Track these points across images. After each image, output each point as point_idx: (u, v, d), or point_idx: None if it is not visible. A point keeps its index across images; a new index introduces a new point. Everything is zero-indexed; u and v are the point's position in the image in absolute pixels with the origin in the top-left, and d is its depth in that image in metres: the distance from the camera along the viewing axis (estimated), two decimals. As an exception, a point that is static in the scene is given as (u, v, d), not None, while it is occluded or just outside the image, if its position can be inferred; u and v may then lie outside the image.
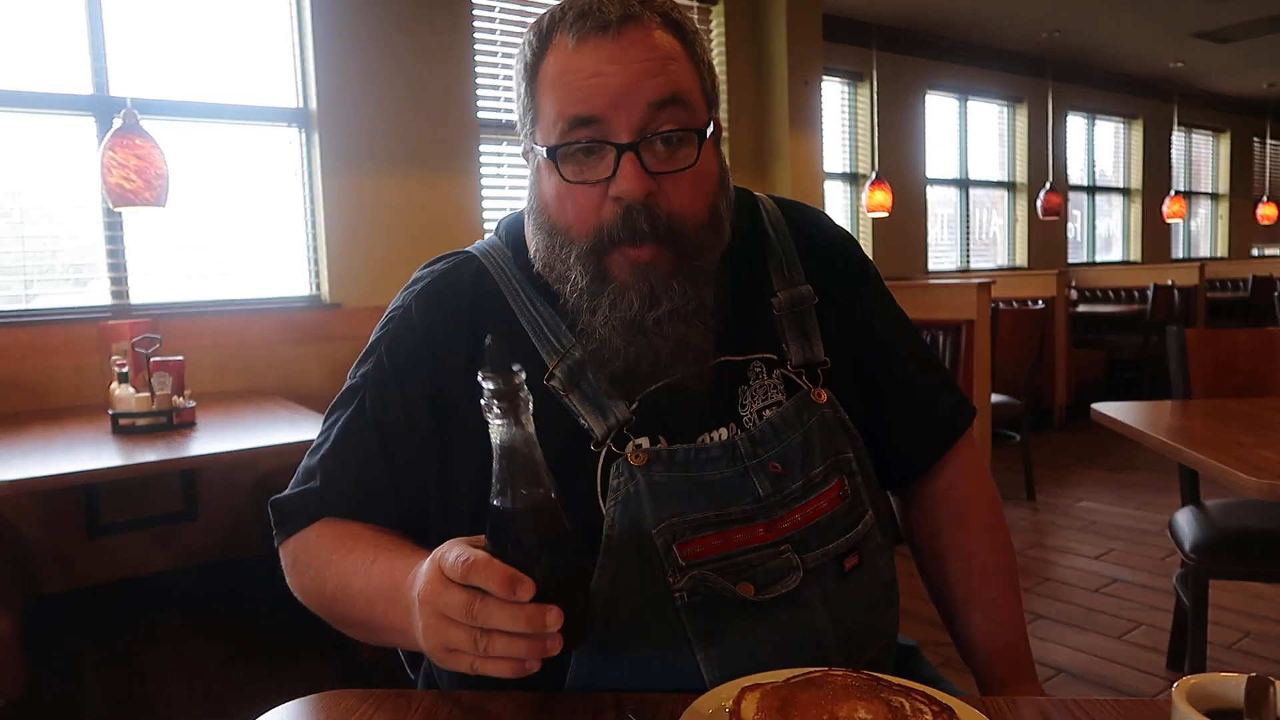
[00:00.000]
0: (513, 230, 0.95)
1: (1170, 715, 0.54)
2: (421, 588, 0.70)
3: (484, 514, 0.70)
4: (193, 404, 2.62)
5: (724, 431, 0.86)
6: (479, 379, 0.67)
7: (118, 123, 2.71)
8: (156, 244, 3.42)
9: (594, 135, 0.79)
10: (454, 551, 0.68)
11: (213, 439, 2.46)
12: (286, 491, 0.94)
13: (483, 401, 0.67)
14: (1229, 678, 0.56)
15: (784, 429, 0.87)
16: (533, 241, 0.89)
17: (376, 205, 3.80)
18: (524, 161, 0.91)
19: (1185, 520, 2.24)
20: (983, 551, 0.99)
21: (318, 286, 3.75)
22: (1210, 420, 2.04)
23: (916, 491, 1.03)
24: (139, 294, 3.37)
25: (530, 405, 0.68)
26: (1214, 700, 0.55)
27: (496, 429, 0.68)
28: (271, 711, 0.80)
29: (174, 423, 2.54)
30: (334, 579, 0.85)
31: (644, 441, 0.84)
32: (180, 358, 2.67)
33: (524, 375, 0.67)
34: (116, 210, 3.03)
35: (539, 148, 0.84)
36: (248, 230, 3.65)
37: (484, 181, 4.17)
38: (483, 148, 4.15)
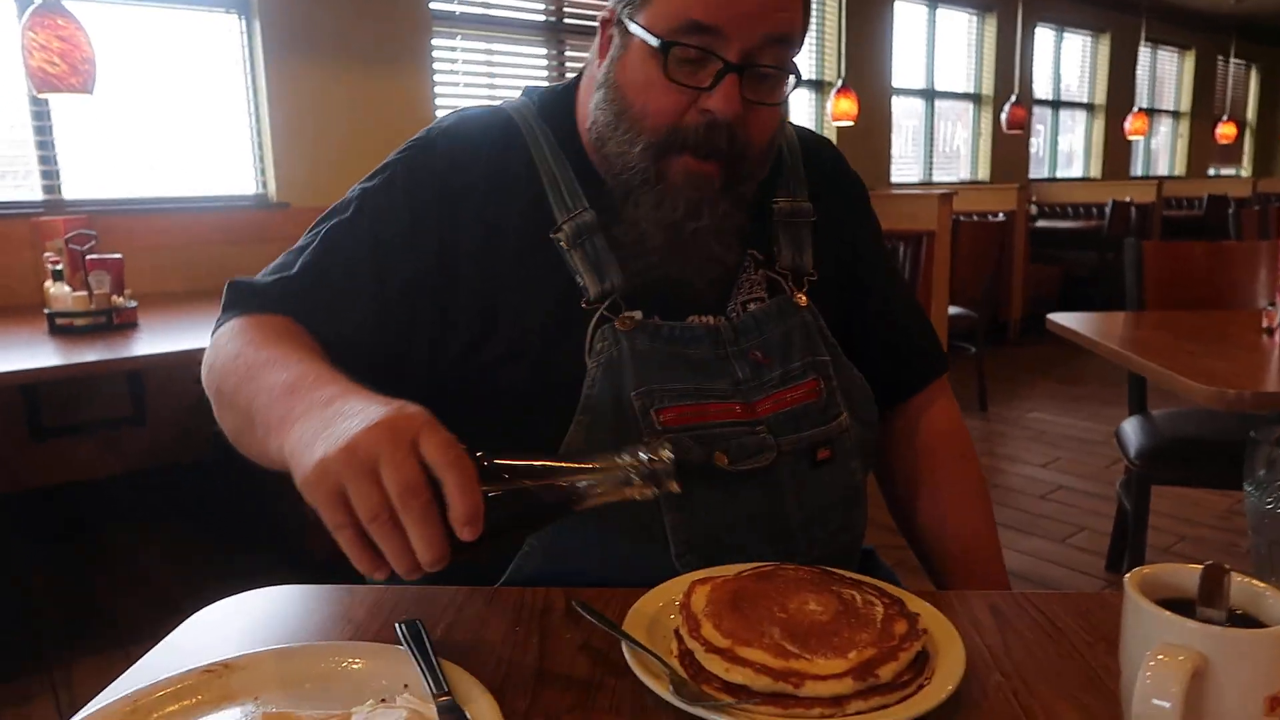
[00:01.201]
0: (545, 98, 0.95)
1: (1122, 606, 0.54)
2: (366, 410, 0.60)
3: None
4: (134, 304, 2.52)
5: (710, 318, 0.88)
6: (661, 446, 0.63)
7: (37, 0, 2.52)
8: (90, 137, 3.24)
9: (706, 44, 0.80)
10: (442, 431, 0.60)
11: (157, 340, 2.38)
12: (253, 277, 0.88)
13: (644, 455, 0.62)
14: (1180, 568, 0.55)
15: (766, 323, 0.90)
16: (594, 112, 0.88)
17: (324, 100, 3.64)
18: (594, 28, 0.90)
19: (1132, 429, 2.29)
20: (958, 483, 1.02)
21: (264, 185, 3.61)
22: (1162, 331, 2.07)
23: (896, 422, 1.05)
24: (73, 190, 3.21)
25: (657, 481, 0.63)
26: (1165, 590, 0.54)
27: (624, 478, 0.63)
28: (212, 605, 0.78)
29: (114, 323, 2.44)
30: (253, 356, 0.76)
31: (636, 314, 0.86)
32: (119, 256, 2.56)
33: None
34: (41, 97, 2.85)
35: (642, 29, 0.82)
36: (189, 124, 3.47)
37: (436, 78, 4.00)
38: (435, 41, 3.97)
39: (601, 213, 0.87)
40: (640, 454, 0.61)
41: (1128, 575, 0.54)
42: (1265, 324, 1.96)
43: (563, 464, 0.64)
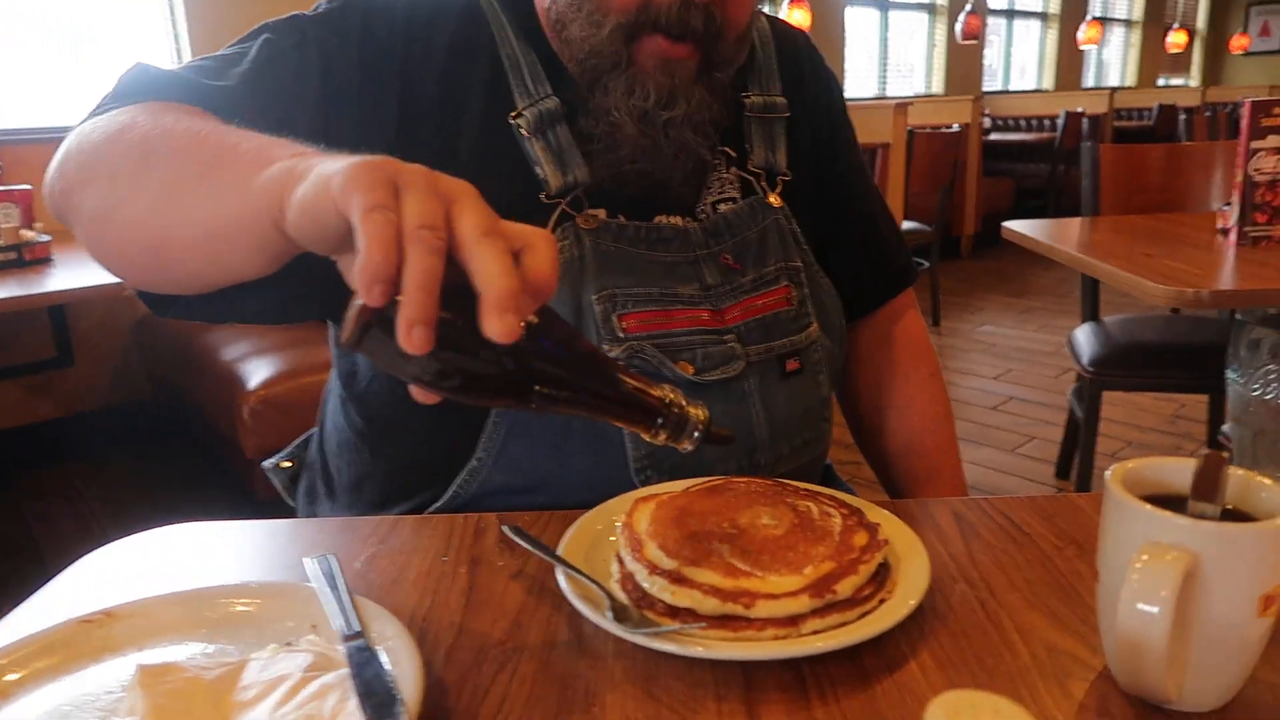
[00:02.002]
0: None
1: (1101, 505, 0.49)
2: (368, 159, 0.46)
3: None
4: (47, 238, 2.37)
5: (679, 220, 0.83)
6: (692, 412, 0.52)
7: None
8: (-11, 59, 3.01)
9: None
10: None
11: (76, 276, 2.24)
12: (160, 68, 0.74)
13: (684, 401, 0.51)
14: (1166, 461, 0.50)
15: (738, 225, 0.85)
16: None
17: (249, 18, 3.40)
18: None
19: (1084, 336, 2.28)
20: (924, 400, 0.98)
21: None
22: (1119, 235, 2.04)
23: (864, 335, 1.01)
24: (-26, 117, 2.99)
25: (679, 431, 0.52)
26: (1150, 487, 0.50)
27: (655, 407, 0.51)
28: (104, 548, 0.70)
29: (25, 259, 2.29)
30: (191, 124, 0.61)
31: (600, 213, 0.80)
32: (28, 187, 2.39)
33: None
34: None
35: None
36: (101, 47, 3.23)
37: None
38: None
39: (565, 103, 0.80)
40: (681, 398, 0.51)
41: (1110, 470, 0.49)
42: (1220, 224, 1.93)
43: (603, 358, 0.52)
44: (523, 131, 0.79)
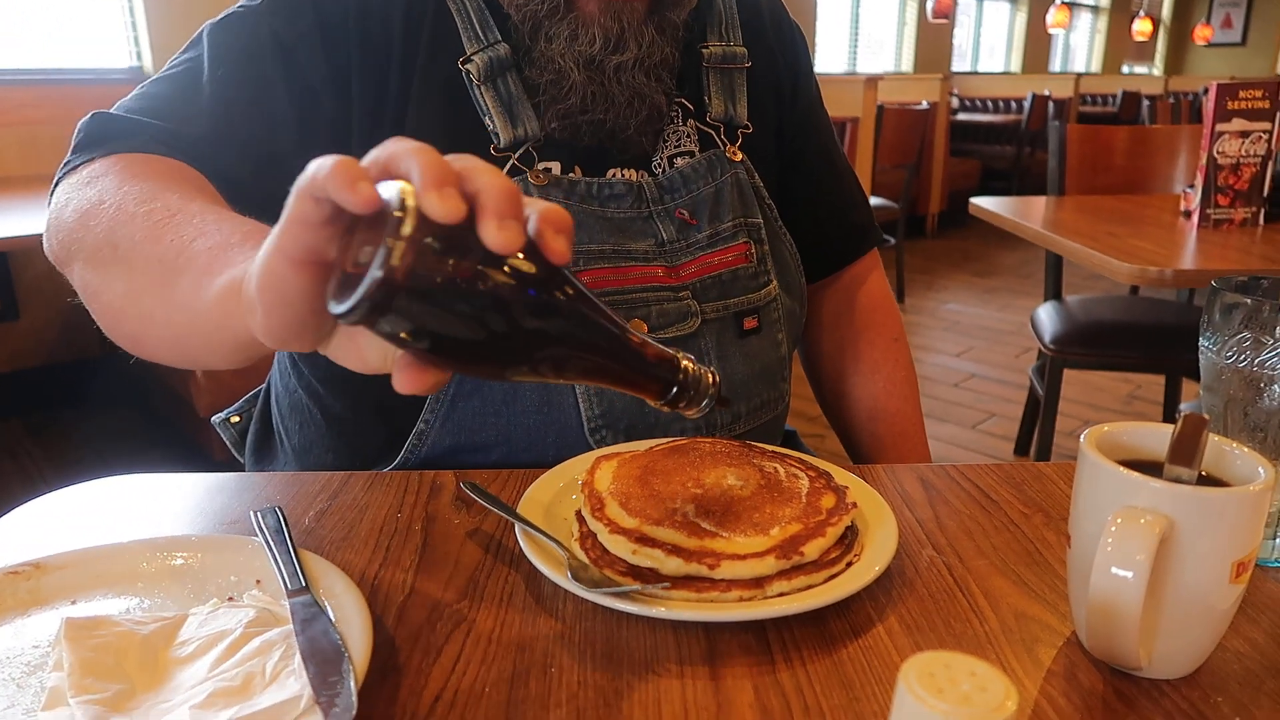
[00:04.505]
0: None
1: (1076, 466, 0.48)
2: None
3: None
4: (-12, 183, 2.27)
5: (633, 174, 0.80)
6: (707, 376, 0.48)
7: None
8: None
9: None
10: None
11: (20, 223, 2.15)
12: (121, 109, 0.72)
13: (699, 366, 0.48)
14: (1141, 426, 0.49)
15: (694, 179, 0.82)
16: None
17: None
18: None
19: (1047, 314, 2.29)
20: (889, 364, 0.97)
21: (139, 56, 3.27)
22: (1084, 214, 2.05)
23: (828, 298, 1.00)
24: (-87, 56, 2.85)
25: (694, 400, 0.48)
26: (1123, 451, 0.49)
27: (667, 371, 0.47)
28: (39, 498, 0.67)
29: (-35, 204, 2.20)
30: (168, 200, 0.59)
31: (554, 167, 0.77)
32: (-33, 130, 2.28)
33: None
34: None
35: None
36: (46, -16, 3.09)
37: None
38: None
39: (514, 51, 0.76)
40: (693, 363, 0.47)
41: (1085, 433, 0.48)
42: (1184, 206, 1.95)
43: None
44: (473, 78, 0.76)
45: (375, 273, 0.36)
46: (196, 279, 0.51)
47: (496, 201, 0.38)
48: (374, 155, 0.40)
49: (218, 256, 0.51)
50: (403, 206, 0.37)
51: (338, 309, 0.38)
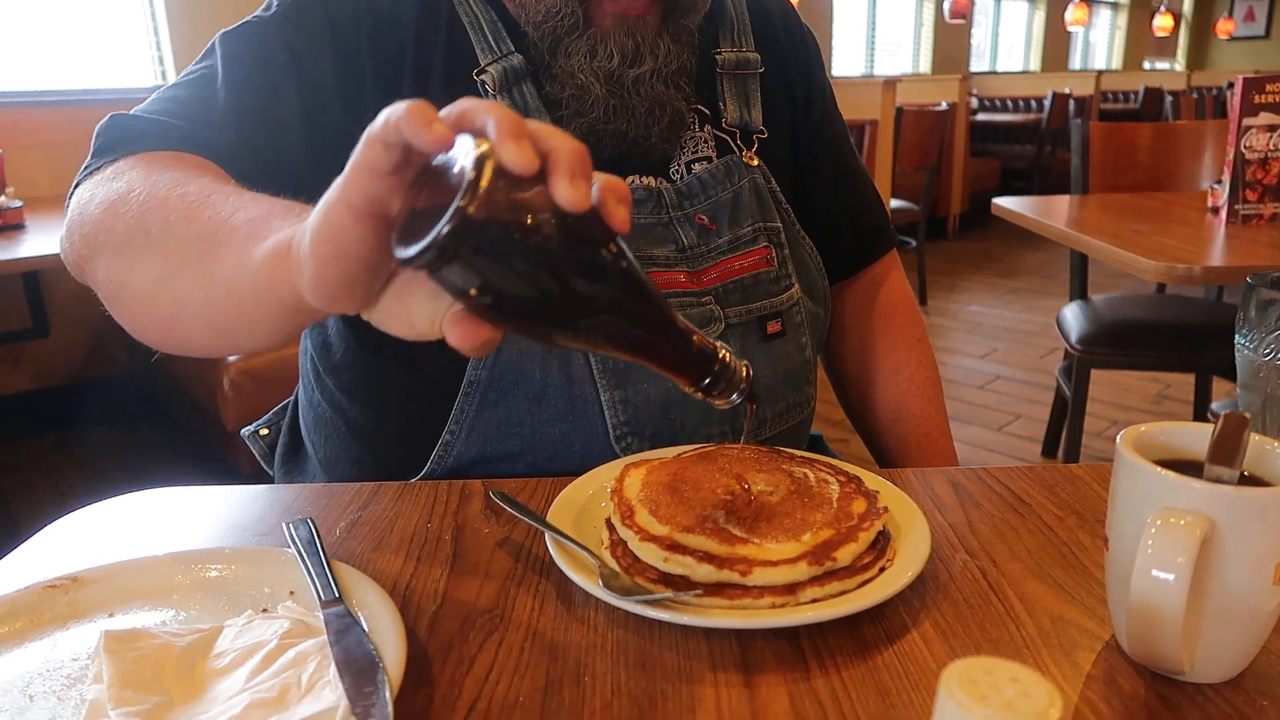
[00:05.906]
0: None
1: (1114, 468, 0.47)
2: None
3: None
4: (18, 204, 2.31)
5: (652, 180, 0.80)
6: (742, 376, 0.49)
7: None
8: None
9: None
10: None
11: (51, 242, 2.18)
12: (140, 111, 0.72)
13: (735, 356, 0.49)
14: (1179, 426, 0.49)
15: (713, 185, 0.82)
16: None
17: (225, -19, 3.32)
18: None
19: (1072, 314, 2.27)
20: (912, 365, 0.96)
21: (163, 75, 3.32)
22: (1108, 212, 2.02)
23: (848, 300, 0.99)
24: (-55, 80, 2.90)
25: (727, 390, 0.49)
26: (1161, 451, 0.48)
27: (707, 357, 0.48)
28: (76, 512, 0.68)
29: (-3, 224, 2.23)
30: (171, 197, 0.58)
31: None
32: (-1, 151, 2.33)
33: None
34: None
35: None
36: (75, 8, 3.14)
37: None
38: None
39: (530, 63, 0.77)
40: (730, 353, 0.48)
41: (1122, 434, 0.47)
42: (1211, 203, 1.92)
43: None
44: (488, 89, 0.76)
45: (450, 216, 0.37)
46: (239, 248, 0.50)
47: (569, 159, 0.39)
48: (448, 110, 0.41)
49: (259, 227, 0.50)
50: (479, 157, 0.38)
51: (407, 252, 0.38)
